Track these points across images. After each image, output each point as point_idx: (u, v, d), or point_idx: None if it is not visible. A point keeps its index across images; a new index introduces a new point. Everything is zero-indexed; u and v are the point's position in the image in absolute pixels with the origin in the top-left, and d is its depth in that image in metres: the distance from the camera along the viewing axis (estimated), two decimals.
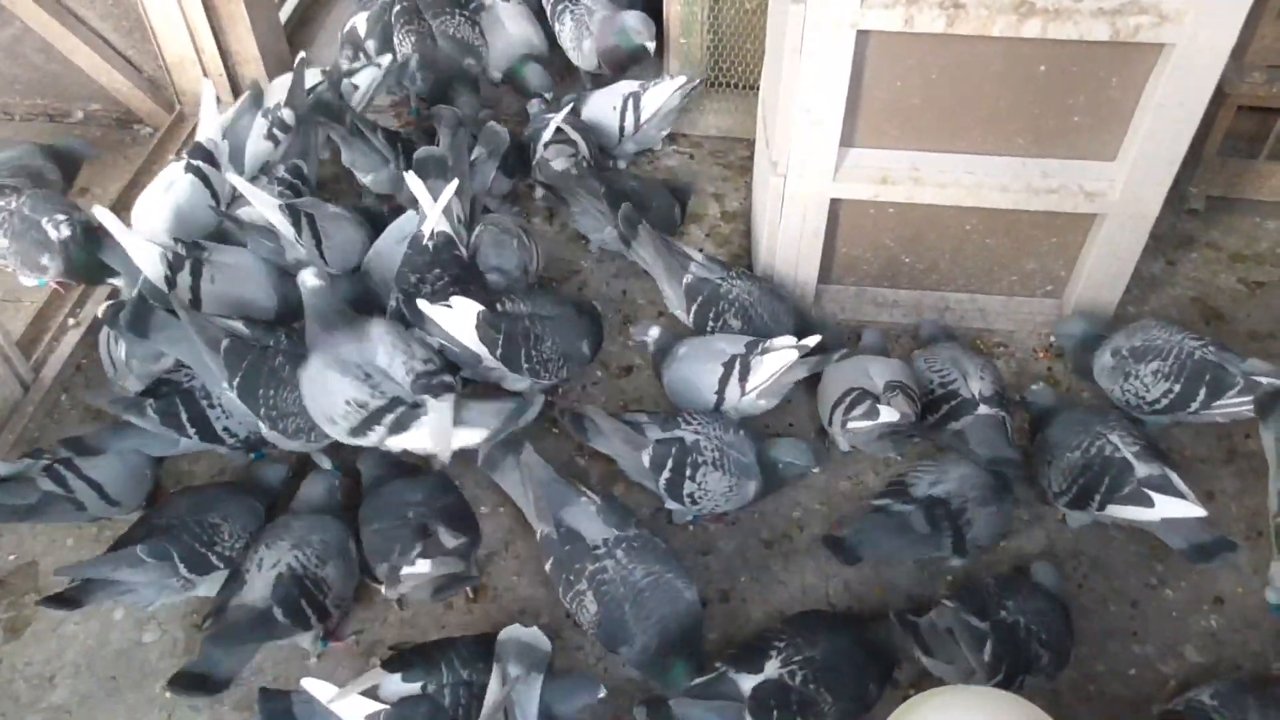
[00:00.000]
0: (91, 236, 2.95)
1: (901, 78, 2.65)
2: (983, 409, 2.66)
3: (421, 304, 2.64)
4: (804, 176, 2.83)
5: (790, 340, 2.67)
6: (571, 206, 3.35)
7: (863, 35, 2.53)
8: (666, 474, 2.55)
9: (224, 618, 2.28)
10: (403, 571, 2.33)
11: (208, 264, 2.86)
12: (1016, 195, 2.80)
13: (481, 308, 2.65)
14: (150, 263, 2.78)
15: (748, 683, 2.17)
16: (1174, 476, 2.44)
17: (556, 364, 2.78)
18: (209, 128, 3.27)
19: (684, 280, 2.96)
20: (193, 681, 2.28)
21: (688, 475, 2.54)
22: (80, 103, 3.93)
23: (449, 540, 2.37)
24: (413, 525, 2.39)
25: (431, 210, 2.82)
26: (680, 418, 2.63)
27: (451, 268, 2.85)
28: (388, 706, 2.10)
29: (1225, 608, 2.54)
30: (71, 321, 3.16)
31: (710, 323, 2.93)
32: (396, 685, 2.14)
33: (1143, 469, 2.44)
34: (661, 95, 3.55)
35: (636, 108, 3.58)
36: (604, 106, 3.64)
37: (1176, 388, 2.65)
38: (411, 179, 2.89)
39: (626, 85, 3.65)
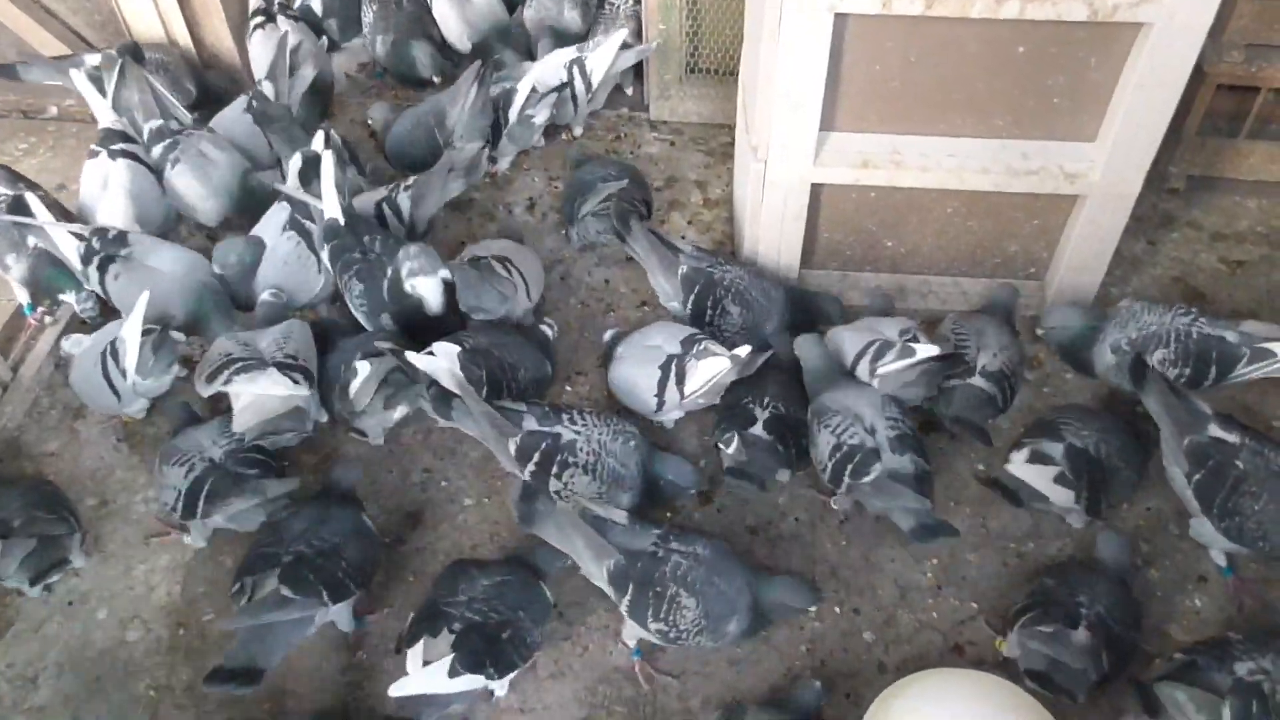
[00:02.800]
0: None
1: (880, 61, 2.64)
2: (976, 380, 2.67)
3: (410, 356, 2.63)
4: (785, 161, 2.82)
5: (722, 350, 2.66)
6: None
7: (841, 18, 2.52)
8: (532, 466, 2.52)
9: (248, 606, 2.29)
10: (351, 386, 2.59)
11: (118, 260, 2.88)
12: (997, 177, 2.80)
13: (459, 348, 2.64)
14: (70, 251, 2.92)
15: None
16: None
17: (530, 392, 2.80)
18: (105, 113, 3.25)
19: (680, 271, 2.94)
20: (230, 675, 2.21)
21: (554, 472, 2.51)
22: (54, 98, 3.89)
23: (383, 345, 2.64)
24: (352, 350, 2.66)
25: (327, 197, 2.90)
26: (567, 415, 2.57)
27: (375, 229, 2.95)
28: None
29: (1209, 586, 2.55)
30: (49, 319, 3.14)
31: (709, 311, 2.91)
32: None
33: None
34: (607, 56, 3.55)
35: (584, 73, 3.57)
36: (548, 78, 3.58)
37: (1187, 371, 2.67)
38: (291, 181, 3.08)
39: (565, 53, 3.61)
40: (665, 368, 2.70)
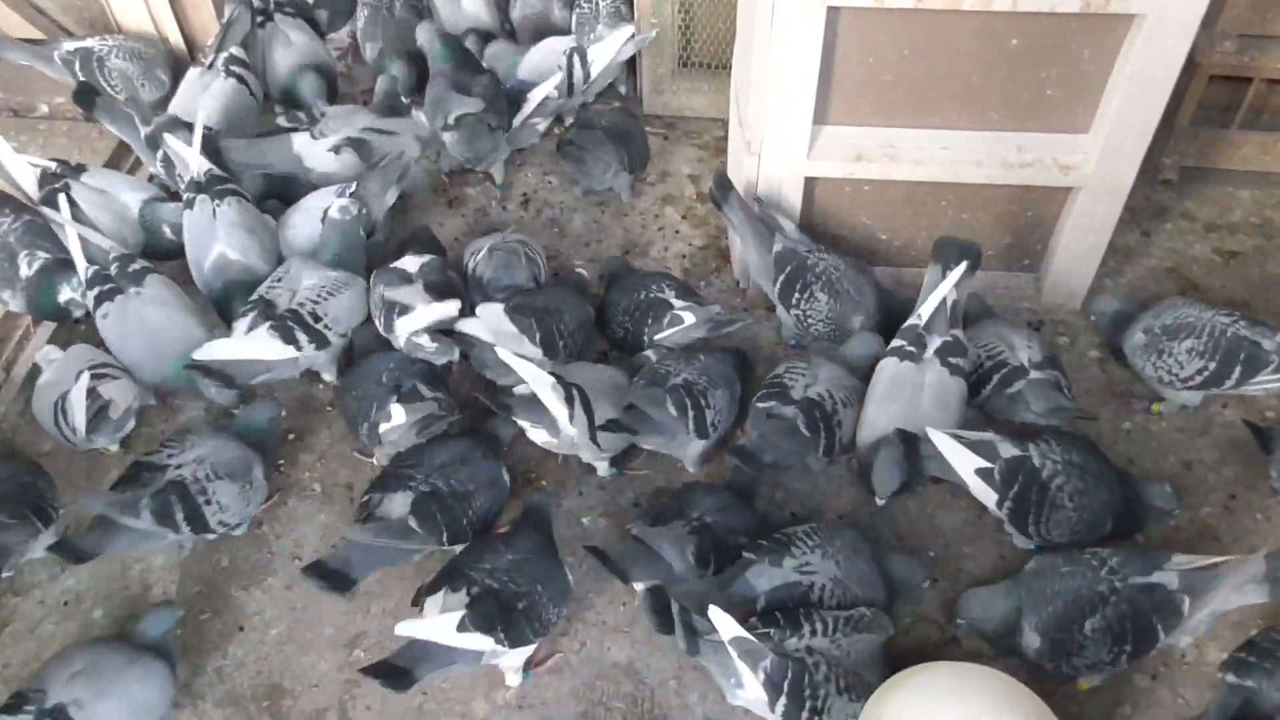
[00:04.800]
0: (48, 278, 2.91)
1: (874, 54, 2.64)
2: (1034, 374, 2.66)
3: (461, 324, 2.71)
4: (778, 155, 2.82)
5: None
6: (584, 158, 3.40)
7: (833, 11, 2.51)
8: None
9: (367, 524, 2.42)
10: (381, 429, 2.59)
11: (119, 299, 2.77)
12: (991, 170, 2.80)
13: (501, 305, 2.76)
14: (26, 179, 2.95)
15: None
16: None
17: (579, 335, 2.87)
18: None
19: (774, 249, 2.89)
20: (326, 573, 2.37)
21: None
22: (45, 96, 3.87)
23: (426, 392, 2.63)
24: (387, 386, 2.63)
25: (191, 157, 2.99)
26: (661, 369, 2.68)
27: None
28: None
29: None
30: (39, 327, 3.11)
31: (796, 294, 2.86)
32: None
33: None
34: (611, 49, 3.58)
35: (584, 63, 3.58)
36: (546, 65, 3.57)
37: (1211, 365, 2.65)
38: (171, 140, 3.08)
39: (562, 41, 3.62)
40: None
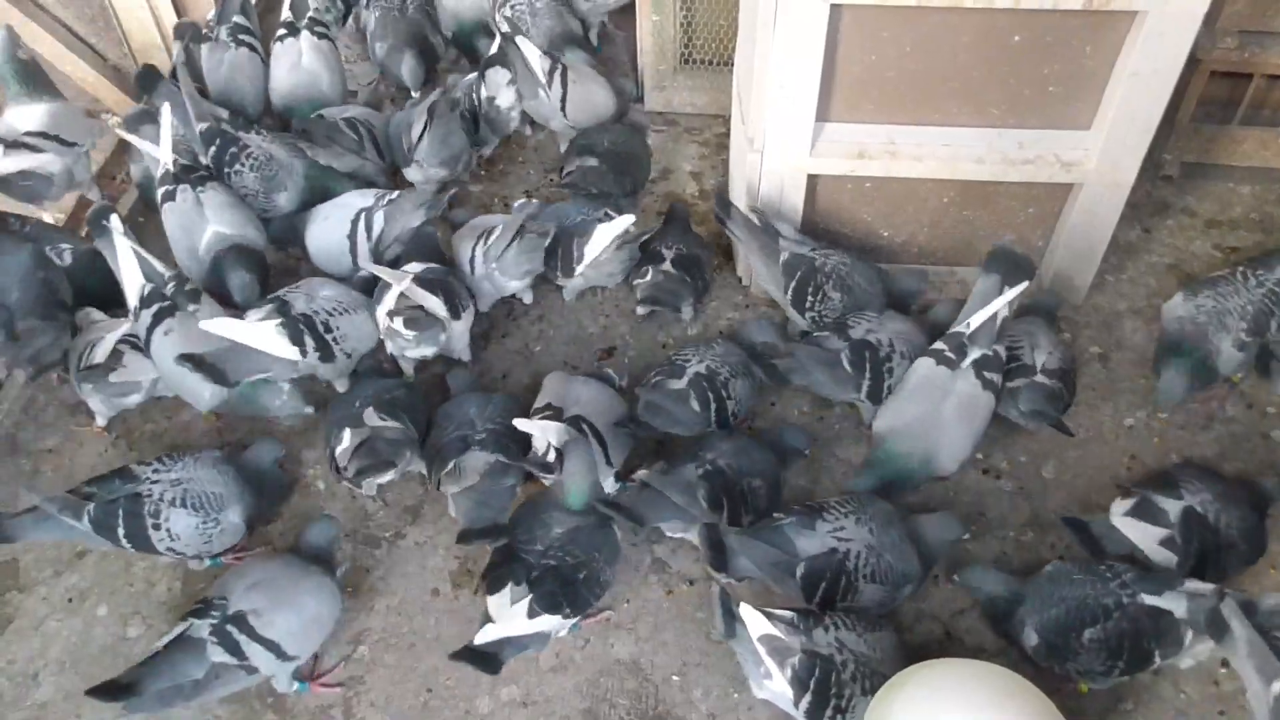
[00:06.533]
0: (88, 263, 2.95)
1: (876, 51, 2.64)
2: (1039, 378, 2.68)
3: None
4: (780, 152, 2.82)
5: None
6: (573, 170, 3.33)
7: (836, 9, 2.51)
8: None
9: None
10: (336, 450, 2.58)
11: (178, 317, 2.70)
12: (993, 166, 2.80)
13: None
14: (132, 286, 2.74)
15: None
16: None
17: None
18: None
19: (781, 258, 2.90)
20: (482, 534, 2.47)
21: (726, 397, 2.68)
22: None
23: (372, 419, 2.58)
24: (353, 414, 2.61)
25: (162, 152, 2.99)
26: (677, 360, 2.74)
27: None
28: None
29: None
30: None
31: (810, 297, 2.87)
32: None
33: None
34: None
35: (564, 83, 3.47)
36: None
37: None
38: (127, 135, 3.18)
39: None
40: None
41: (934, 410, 2.58)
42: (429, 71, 3.77)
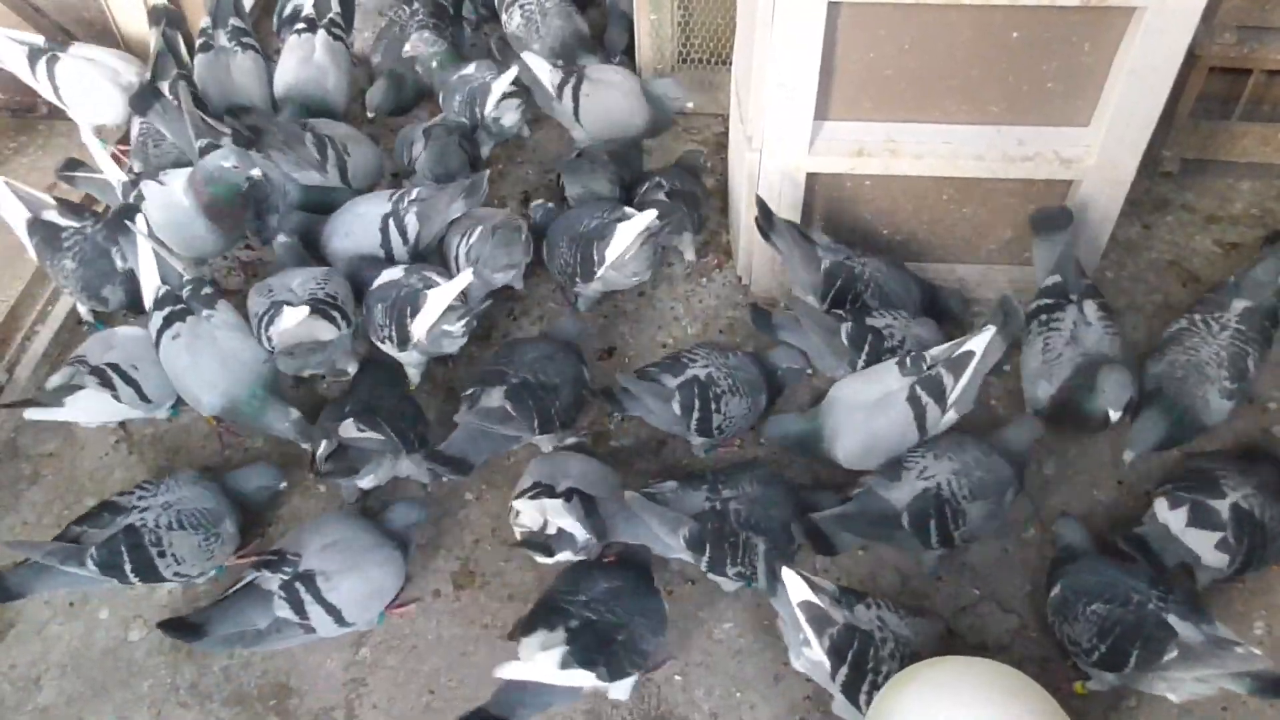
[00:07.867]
0: None
1: (874, 49, 2.64)
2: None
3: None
4: (779, 151, 2.82)
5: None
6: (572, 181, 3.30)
7: (834, 6, 2.51)
8: (697, 414, 2.64)
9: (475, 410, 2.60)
10: (316, 453, 2.55)
11: (190, 320, 2.69)
12: (993, 164, 2.80)
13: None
14: (148, 284, 2.75)
15: None
16: None
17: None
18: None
19: (822, 266, 2.90)
20: (446, 460, 2.57)
21: (714, 409, 2.64)
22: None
23: (349, 430, 2.54)
24: (336, 422, 2.58)
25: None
26: (684, 358, 2.71)
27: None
28: None
29: None
30: (41, 327, 3.12)
31: (848, 305, 2.90)
32: None
33: None
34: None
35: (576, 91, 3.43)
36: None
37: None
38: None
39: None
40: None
41: (864, 397, 2.62)
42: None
